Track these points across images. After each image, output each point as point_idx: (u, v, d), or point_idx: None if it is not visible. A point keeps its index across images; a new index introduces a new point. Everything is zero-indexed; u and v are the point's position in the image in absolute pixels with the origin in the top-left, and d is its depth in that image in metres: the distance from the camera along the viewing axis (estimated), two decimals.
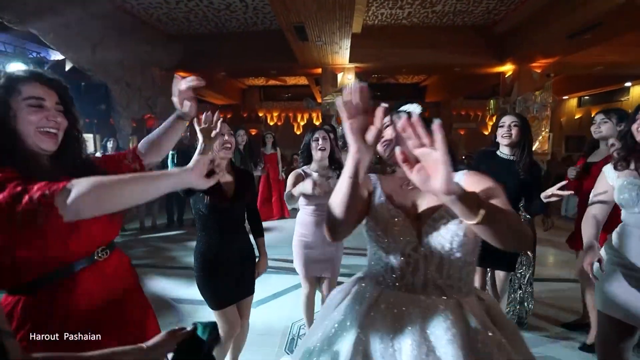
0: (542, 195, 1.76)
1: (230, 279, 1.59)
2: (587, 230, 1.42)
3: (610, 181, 1.44)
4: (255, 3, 5.48)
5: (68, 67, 5.65)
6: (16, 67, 4.81)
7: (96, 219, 0.80)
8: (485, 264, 2.02)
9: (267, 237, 5.11)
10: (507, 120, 1.93)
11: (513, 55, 6.35)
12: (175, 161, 4.85)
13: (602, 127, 2.07)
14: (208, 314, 1.64)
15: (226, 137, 1.56)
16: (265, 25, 6.47)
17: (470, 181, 0.87)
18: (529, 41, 5.75)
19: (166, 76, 7.23)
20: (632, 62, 6.41)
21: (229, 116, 12.21)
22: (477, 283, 2.09)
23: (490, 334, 0.81)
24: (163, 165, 5.01)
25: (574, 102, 10.32)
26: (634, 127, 1.37)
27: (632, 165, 1.38)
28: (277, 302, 2.80)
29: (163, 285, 3.10)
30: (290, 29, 4.86)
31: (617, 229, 1.44)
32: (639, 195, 1.32)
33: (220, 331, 1.54)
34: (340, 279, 2.05)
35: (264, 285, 3.09)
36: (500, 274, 2.03)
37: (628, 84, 8.26)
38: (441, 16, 5.98)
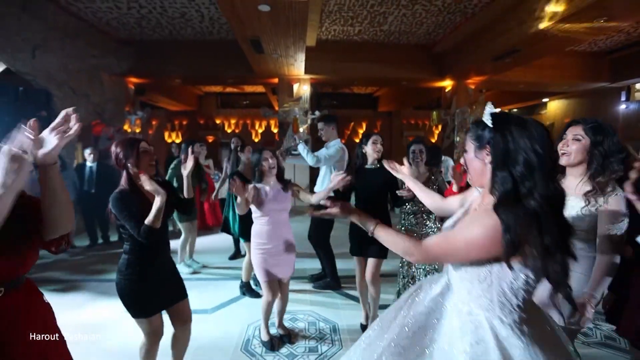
0: (398, 192, 2.22)
1: (159, 286, 1.64)
2: None
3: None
4: (212, 14, 5.55)
5: (0, 69, 5.26)
6: None
7: None
8: (358, 252, 2.43)
9: (220, 245, 5.13)
10: (377, 139, 2.42)
11: (451, 72, 7.08)
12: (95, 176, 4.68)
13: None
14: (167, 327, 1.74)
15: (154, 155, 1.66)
16: (222, 35, 6.54)
17: None
18: (463, 61, 6.49)
19: (116, 81, 6.97)
20: (547, 82, 7.50)
21: (184, 123, 11.90)
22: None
23: None
24: (80, 177, 4.69)
25: None
26: (559, 146, 1.48)
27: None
28: (232, 307, 2.92)
29: (108, 302, 3.05)
30: (246, 42, 5.02)
31: None
32: None
33: (145, 338, 1.65)
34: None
35: (221, 291, 3.20)
36: (370, 261, 2.38)
37: (545, 99, 9.58)
38: (388, 34, 6.51)
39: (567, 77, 7.32)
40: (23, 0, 4.60)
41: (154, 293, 1.62)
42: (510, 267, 0.84)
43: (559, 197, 0.85)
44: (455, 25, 5.88)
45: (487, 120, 0.92)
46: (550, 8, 4.15)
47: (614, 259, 1.32)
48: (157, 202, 1.51)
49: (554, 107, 9.67)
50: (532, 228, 0.81)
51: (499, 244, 0.83)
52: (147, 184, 1.51)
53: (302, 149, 3.28)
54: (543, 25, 4.33)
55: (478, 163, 0.95)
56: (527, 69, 6.65)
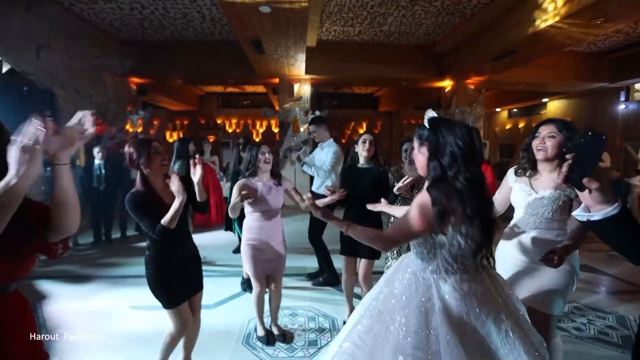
0: (395, 189, 2.23)
1: (183, 277, 1.73)
2: None
3: (510, 183, 1.72)
4: (213, 14, 5.61)
5: (5, 69, 5.32)
6: None
7: None
8: (351, 252, 2.43)
9: (222, 241, 5.22)
10: (367, 138, 2.44)
11: (451, 72, 7.12)
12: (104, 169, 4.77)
13: None
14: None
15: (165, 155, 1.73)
16: (223, 36, 6.59)
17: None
18: (463, 61, 6.53)
19: (119, 81, 7.03)
20: (546, 82, 7.54)
21: (186, 122, 11.97)
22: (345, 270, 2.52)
23: None
24: (88, 174, 4.75)
25: (505, 114, 11.65)
26: (534, 144, 1.55)
27: (527, 174, 1.62)
28: (234, 303, 2.99)
29: (115, 294, 3.12)
30: (247, 42, 5.08)
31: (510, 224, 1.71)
32: (525, 199, 1.60)
33: (174, 328, 1.74)
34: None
35: (222, 287, 3.26)
36: (363, 262, 2.41)
37: (545, 99, 9.61)
38: (388, 35, 6.56)
39: (566, 77, 7.35)
40: (27, 1, 4.66)
41: (180, 284, 1.71)
42: (445, 234, 1.10)
43: (479, 179, 1.11)
44: (454, 25, 5.93)
45: (426, 122, 1.19)
46: (549, 9, 4.20)
47: (584, 230, 1.48)
48: (176, 203, 1.55)
49: (554, 107, 9.70)
50: (455, 201, 1.06)
51: (432, 215, 1.08)
52: (174, 184, 1.56)
53: (310, 171, 3.35)
54: (541, 25, 4.37)
55: (421, 157, 1.20)
56: (527, 69, 6.67)
